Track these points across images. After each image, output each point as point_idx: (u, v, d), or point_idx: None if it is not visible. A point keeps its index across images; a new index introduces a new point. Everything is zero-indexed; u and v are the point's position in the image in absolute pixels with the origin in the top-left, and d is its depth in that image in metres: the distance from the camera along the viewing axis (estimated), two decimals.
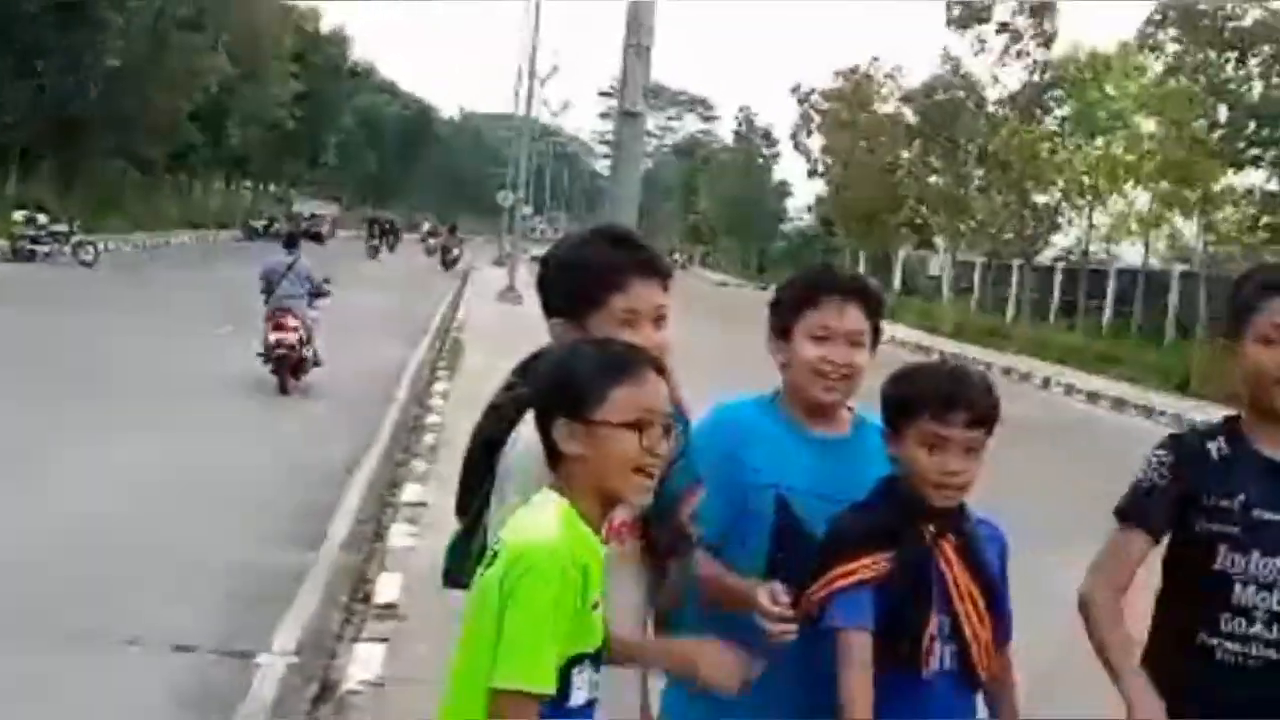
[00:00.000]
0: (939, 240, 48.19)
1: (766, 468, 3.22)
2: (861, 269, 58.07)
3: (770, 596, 3.01)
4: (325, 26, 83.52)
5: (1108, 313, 36.94)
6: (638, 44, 10.21)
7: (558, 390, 2.67)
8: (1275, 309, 3.13)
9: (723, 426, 3.18)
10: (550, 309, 3.05)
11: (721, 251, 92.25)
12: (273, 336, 15.62)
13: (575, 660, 2.56)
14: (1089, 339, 34.36)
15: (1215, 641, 3.10)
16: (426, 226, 68.81)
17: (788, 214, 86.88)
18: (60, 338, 18.67)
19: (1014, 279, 42.05)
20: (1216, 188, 29.40)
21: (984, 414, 3.05)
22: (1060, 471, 14.81)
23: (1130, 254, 36.71)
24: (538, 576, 2.50)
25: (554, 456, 2.68)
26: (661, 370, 2.72)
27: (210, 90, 54.55)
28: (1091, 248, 37.16)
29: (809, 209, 73.03)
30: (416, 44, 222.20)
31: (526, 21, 48.67)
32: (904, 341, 34.81)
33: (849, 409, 3.35)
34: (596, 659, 2.63)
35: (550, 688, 2.49)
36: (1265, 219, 28.21)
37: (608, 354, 2.70)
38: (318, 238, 70.97)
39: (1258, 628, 3.09)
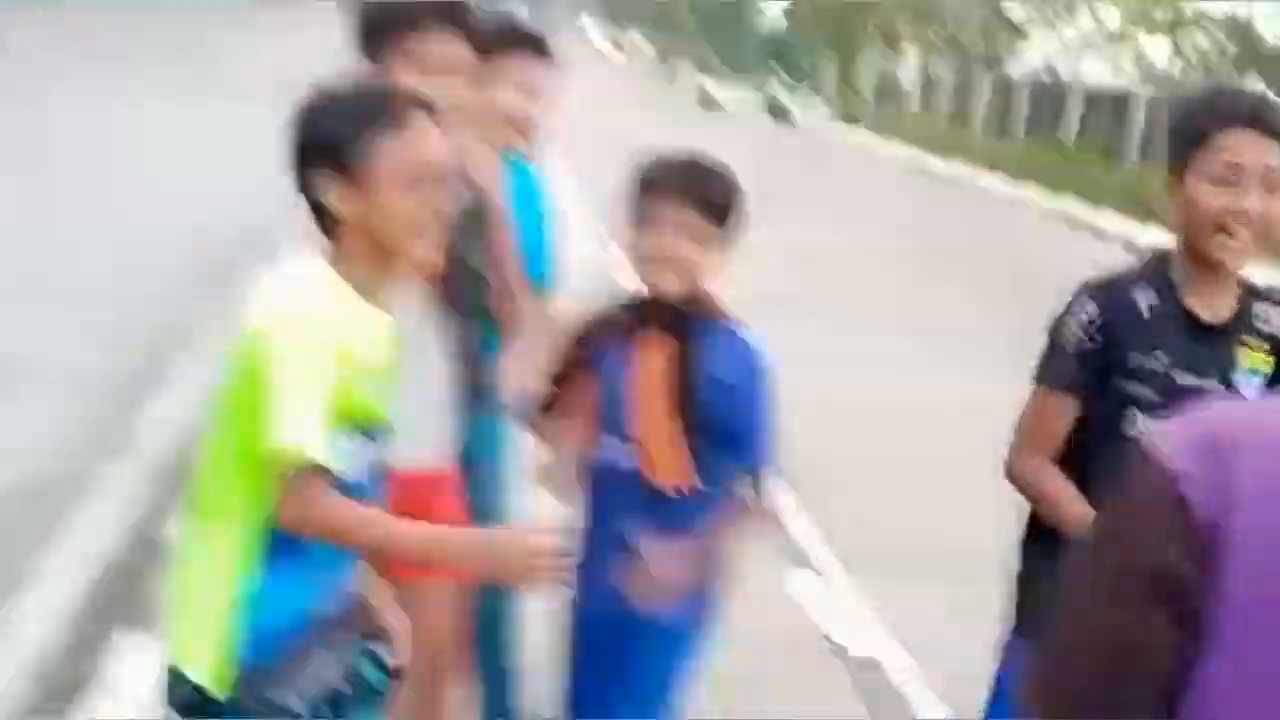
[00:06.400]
0: (908, 48, 47.92)
1: None
2: (834, 75, 57.67)
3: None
4: None
5: (1072, 132, 37.10)
6: None
7: (316, 140, 2.29)
8: (1231, 146, 2.60)
9: None
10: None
11: (690, 52, 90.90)
12: None
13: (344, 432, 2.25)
14: (1051, 157, 34.61)
15: None
16: None
17: (763, 15, 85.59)
18: None
19: (980, 93, 42.05)
20: (1187, 10, 29.47)
21: (699, 197, 2.90)
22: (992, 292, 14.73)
23: (1098, 74, 36.73)
24: (289, 334, 2.20)
25: (320, 217, 2.32)
26: (435, 114, 2.35)
27: None
28: (1059, 67, 37.12)
29: (784, 12, 72.01)
30: None
31: None
32: (874, 153, 35.00)
33: None
34: (372, 437, 2.34)
35: (330, 459, 2.18)
36: (1233, 47, 28.30)
37: (368, 98, 2.33)
38: None
39: None
